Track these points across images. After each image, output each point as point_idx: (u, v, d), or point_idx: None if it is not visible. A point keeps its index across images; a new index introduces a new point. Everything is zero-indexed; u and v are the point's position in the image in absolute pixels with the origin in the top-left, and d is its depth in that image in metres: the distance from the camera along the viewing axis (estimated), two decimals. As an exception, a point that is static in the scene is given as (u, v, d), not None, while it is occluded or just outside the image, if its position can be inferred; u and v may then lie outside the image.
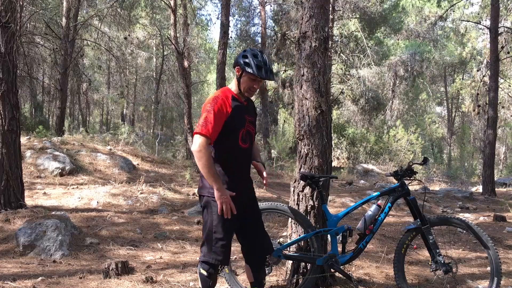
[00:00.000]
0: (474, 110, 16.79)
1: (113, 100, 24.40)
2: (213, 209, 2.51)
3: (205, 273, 2.51)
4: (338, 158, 19.88)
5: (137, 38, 20.95)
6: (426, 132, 22.01)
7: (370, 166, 16.64)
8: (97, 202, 6.69)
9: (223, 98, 2.50)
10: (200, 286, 2.59)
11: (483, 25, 15.89)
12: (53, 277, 3.55)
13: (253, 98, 2.81)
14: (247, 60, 2.49)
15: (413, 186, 7.57)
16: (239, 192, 2.56)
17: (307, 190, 3.34)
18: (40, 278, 3.47)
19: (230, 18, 13.81)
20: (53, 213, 5.38)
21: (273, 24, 19.62)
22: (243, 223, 2.65)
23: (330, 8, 8.79)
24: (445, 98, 28.94)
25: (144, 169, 9.96)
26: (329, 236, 3.18)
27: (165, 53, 21.21)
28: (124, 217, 5.94)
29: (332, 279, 3.40)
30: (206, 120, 2.41)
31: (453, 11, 15.29)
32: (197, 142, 2.40)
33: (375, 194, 3.27)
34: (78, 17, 14.90)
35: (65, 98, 14.59)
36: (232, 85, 2.62)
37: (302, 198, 3.37)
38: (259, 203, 2.90)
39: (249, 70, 2.47)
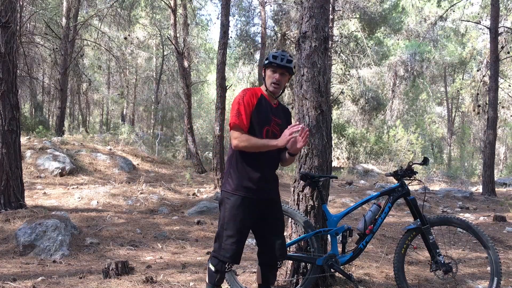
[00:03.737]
0: (474, 110, 16.80)
1: (113, 100, 24.41)
2: (226, 206, 2.51)
3: (213, 268, 2.54)
4: (338, 158, 19.89)
5: (137, 38, 20.97)
6: (426, 132, 21.99)
7: (370, 166, 16.65)
8: (97, 202, 6.69)
9: (252, 92, 2.62)
10: (207, 280, 2.61)
11: (483, 25, 15.88)
12: (53, 277, 3.55)
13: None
14: (266, 57, 2.67)
15: (413, 186, 7.57)
16: (258, 190, 2.54)
17: (307, 190, 3.34)
18: (40, 278, 3.47)
19: (230, 18, 13.81)
20: (53, 213, 5.38)
21: (273, 24, 19.60)
22: (261, 223, 2.63)
23: (330, 8, 8.78)
24: (445, 98, 28.93)
25: (144, 169, 9.97)
26: (329, 236, 3.17)
27: (165, 53, 21.19)
28: (124, 217, 5.94)
29: (332, 279, 3.40)
30: (238, 111, 2.52)
31: (453, 11, 15.26)
32: (232, 136, 2.52)
33: (375, 194, 3.26)
34: (78, 17, 14.91)
35: (65, 98, 14.61)
36: (263, 87, 2.72)
37: (302, 198, 3.37)
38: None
39: (265, 62, 2.64)
